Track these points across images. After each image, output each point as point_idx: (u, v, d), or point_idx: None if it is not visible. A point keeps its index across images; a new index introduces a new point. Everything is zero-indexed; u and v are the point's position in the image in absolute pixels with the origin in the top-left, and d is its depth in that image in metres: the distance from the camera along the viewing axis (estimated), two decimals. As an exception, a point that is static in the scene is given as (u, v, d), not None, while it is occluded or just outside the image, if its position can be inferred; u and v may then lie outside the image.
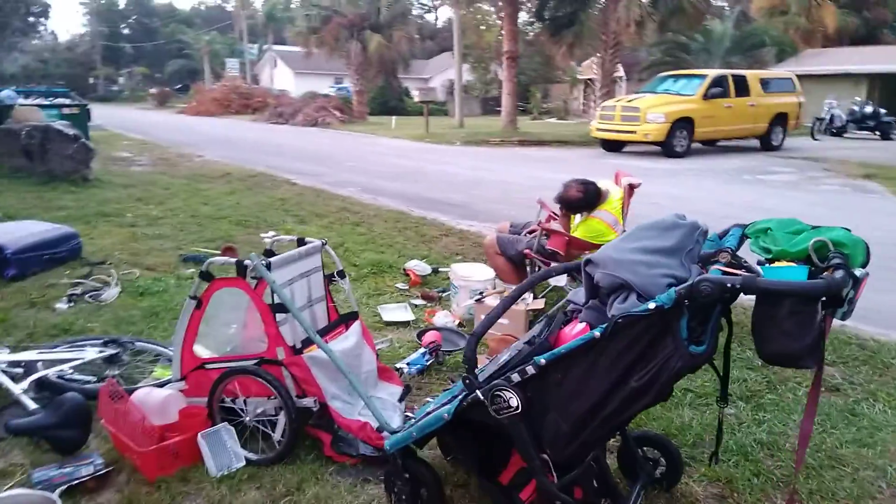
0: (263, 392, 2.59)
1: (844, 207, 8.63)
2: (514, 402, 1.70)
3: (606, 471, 2.00)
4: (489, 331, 3.87)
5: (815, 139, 18.85)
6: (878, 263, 1.93)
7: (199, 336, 2.78)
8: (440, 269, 5.17)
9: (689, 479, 2.46)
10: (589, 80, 29.39)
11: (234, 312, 2.85)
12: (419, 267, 5.10)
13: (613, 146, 15.63)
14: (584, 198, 3.77)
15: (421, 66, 44.82)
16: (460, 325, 4.07)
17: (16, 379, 2.94)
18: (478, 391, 1.77)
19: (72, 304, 4.29)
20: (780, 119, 16.13)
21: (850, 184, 10.61)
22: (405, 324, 4.11)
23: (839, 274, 1.43)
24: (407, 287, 4.86)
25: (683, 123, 14.29)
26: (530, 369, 1.68)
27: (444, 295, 4.67)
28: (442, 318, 4.10)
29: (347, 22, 27.40)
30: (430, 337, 3.65)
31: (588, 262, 1.77)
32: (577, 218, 4.01)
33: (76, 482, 2.38)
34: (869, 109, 19.96)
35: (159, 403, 2.60)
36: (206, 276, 2.69)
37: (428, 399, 2.83)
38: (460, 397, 1.84)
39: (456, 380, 3.30)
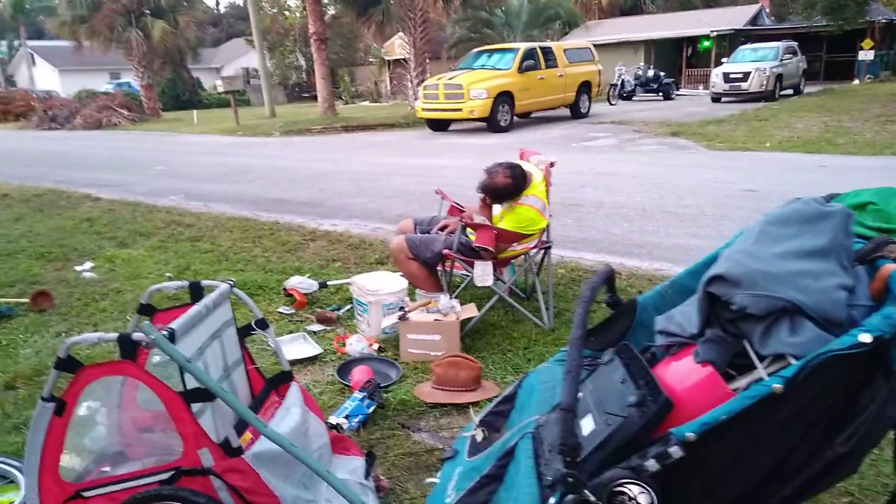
0: (188, 516, 1.80)
1: (675, 164, 9.24)
2: (645, 499, 1.19)
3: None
4: (424, 353, 3.35)
5: (612, 104, 20.46)
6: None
7: (65, 450, 1.88)
8: (327, 283, 4.44)
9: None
10: (397, 60, 29.13)
11: (118, 409, 1.98)
12: (303, 284, 4.32)
13: (439, 125, 15.52)
14: (512, 184, 3.32)
15: (210, 55, 41.54)
16: (380, 349, 3.44)
17: None
18: (586, 490, 1.23)
19: None
20: (585, 87, 17.15)
21: (664, 142, 11.48)
22: (312, 360, 3.38)
23: None
24: (292, 311, 4.08)
25: (504, 97, 14.54)
26: (675, 451, 1.17)
27: (340, 313, 3.98)
28: (356, 344, 3.43)
29: (122, 8, 24.13)
30: (359, 374, 3.00)
31: (717, 278, 1.30)
32: (498, 208, 3.56)
33: None
34: (651, 73, 22.16)
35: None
36: (68, 364, 1.80)
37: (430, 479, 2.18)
38: (555, 501, 1.27)
39: (411, 425, 2.70)
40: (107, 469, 1.98)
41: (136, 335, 1.75)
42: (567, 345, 2.14)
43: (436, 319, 3.29)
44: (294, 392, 2.18)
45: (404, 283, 3.67)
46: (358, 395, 2.78)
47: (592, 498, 1.22)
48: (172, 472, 1.82)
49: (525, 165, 3.49)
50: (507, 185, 3.33)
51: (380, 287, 3.62)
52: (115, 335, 1.76)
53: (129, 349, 1.76)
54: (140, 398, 2.00)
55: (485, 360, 3.21)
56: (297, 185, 8.83)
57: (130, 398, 2.02)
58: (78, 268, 5.18)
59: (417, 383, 3.03)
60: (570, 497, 1.25)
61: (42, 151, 15.29)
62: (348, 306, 3.99)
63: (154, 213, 7.29)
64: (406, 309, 3.40)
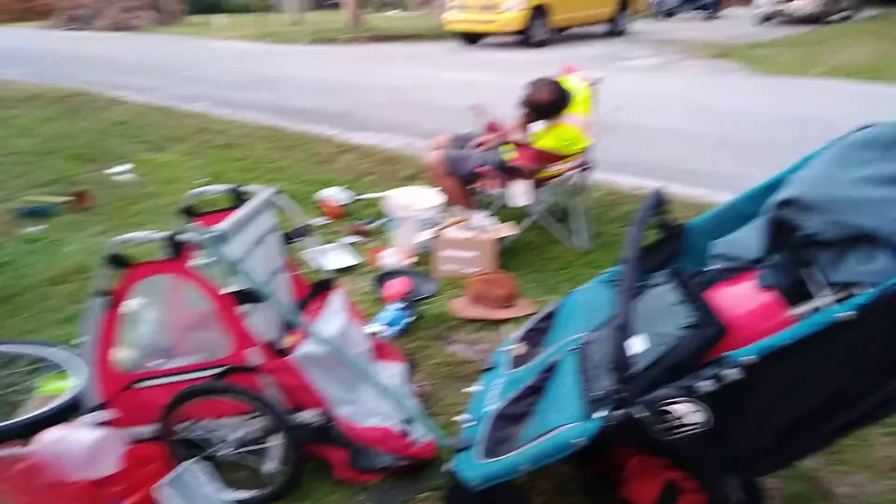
0: (239, 411, 1.87)
1: (719, 87, 8.87)
2: (698, 417, 1.20)
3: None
4: (458, 269, 3.37)
5: (655, 21, 19.49)
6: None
7: (119, 344, 1.95)
8: (359, 197, 4.43)
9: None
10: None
11: (165, 306, 2.03)
12: (337, 196, 4.32)
13: (472, 38, 14.95)
14: (555, 100, 3.21)
15: (236, -45, 39.89)
16: (414, 264, 3.46)
17: None
18: (634, 407, 1.24)
19: None
20: (626, 3, 16.28)
21: (708, 64, 10.97)
22: (347, 271, 3.42)
23: None
24: (327, 222, 4.09)
25: (540, 11, 13.88)
26: (732, 373, 1.17)
27: (372, 226, 3.99)
28: (390, 257, 3.46)
29: None
30: (396, 285, 3.03)
31: (789, 202, 1.25)
32: (538, 125, 3.46)
33: None
34: (695, -11, 20.91)
35: (87, 450, 1.78)
36: (118, 261, 1.83)
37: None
38: (604, 414, 1.29)
39: (446, 337, 2.76)
40: (156, 363, 2.05)
41: (186, 235, 1.76)
42: (604, 267, 2.13)
43: (471, 237, 3.28)
44: (337, 298, 2.21)
45: (439, 198, 3.64)
46: (396, 305, 2.82)
47: (643, 413, 1.24)
48: (222, 370, 1.88)
49: (568, 82, 3.36)
50: (550, 102, 3.22)
51: (415, 202, 3.61)
52: (165, 234, 1.78)
53: (178, 249, 1.78)
54: (186, 298, 2.05)
55: (519, 279, 3.21)
56: (326, 95, 8.66)
57: (177, 297, 2.06)
58: (113, 170, 5.21)
59: (452, 298, 3.06)
60: (619, 412, 1.27)
61: (67, 52, 15.11)
62: (382, 220, 3.99)
63: (184, 118, 7.24)
64: (440, 225, 3.39)
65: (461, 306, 2.92)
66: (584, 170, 3.62)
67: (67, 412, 2.17)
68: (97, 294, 1.85)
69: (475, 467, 1.52)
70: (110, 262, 1.81)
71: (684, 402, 1.20)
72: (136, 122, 7.03)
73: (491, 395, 1.78)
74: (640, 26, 18.10)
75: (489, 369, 1.99)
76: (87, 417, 1.95)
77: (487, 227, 3.35)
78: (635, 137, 5.99)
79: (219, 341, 1.93)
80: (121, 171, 5.17)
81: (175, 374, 1.93)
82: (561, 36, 16.05)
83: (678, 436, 1.23)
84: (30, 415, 2.22)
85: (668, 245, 1.91)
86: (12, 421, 2.19)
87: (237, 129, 6.69)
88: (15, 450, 1.91)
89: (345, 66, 11.92)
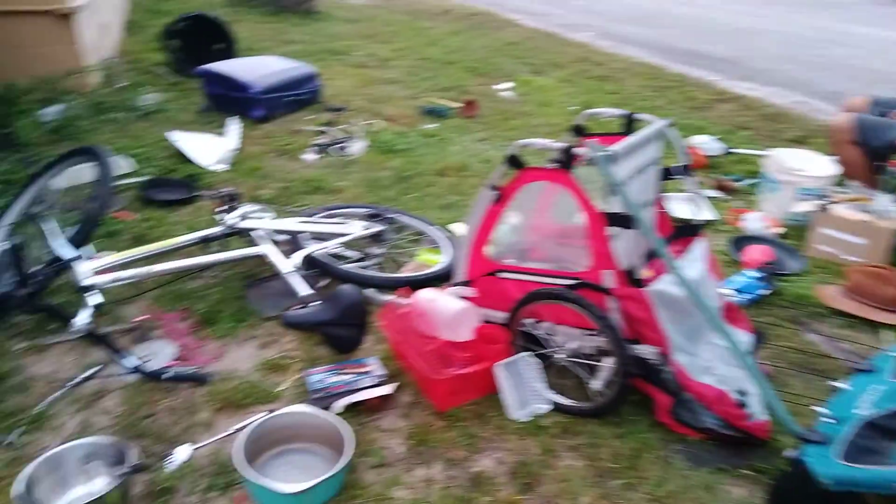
0: (580, 324, 1.97)
1: None
2: None
3: None
4: (837, 253, 2.94)
5: None
6: None
7: (495, 235, 2.18)
8: (732, 150, 4.09)
9: None
10: None
11: (532, 212, 2.19)
12: (707, 145, 4.06)
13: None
14: None
15: None
16: (783, 235, 3.10)
17: (283, 250, 2.61)
18: None
19: (319, 155, 3.96)
20: None
21: None
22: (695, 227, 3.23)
23: None
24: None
25: None
26: None
27: (739, 184, 3.67)
28: (754, 221, 3.16)
29: None
30: (755, 252, 2.78)
31: None
32: None
33: (359, 400, 2.00)
34: None
35: (452, 316, 2.09)
36: (515, 162, 2.01)
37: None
38: None
39: (805, 323, 2.45)
40: (513, 261, 2.25)
41: (581, 149, 1.85)
42: None
43: (865, 220, 2.79)
44: (700, 246, 2.12)
45: (833, 168, 3.16)
46: (752, 273, 2.60)
47: None
48: (575, 282, 1.98)
49: None
50: None
51: (801, 167, 3.19)
52: (563, 145, 1.89)
53: (569, 161, 1.88)
54: (556, 208, 2.17)
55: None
56: (715, 37, 8.03)
57: (545, 206, 2.21)
58: (497, 86, 5.70)
59: (820, 283, 2.69)
60: None
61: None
62: (752, 180, 3.64)
63: (567, 46, 7.48)
64: (829, 199, 2.95)
65: (833, 295, 2.55)
66: None
67: (436, 280, 2.56)
68: (488, 187, 2.08)
69: (832, 465, 1.36)
70: (507, 162, 2.01)
71: None
72: (524, 45, 7.51)
73: (864, 398, 1.55)
74: None
75: (865, 371, 1.72)
76: (454, 289, 2.26)
77: (888, 214, 2.81)
78: None
79: (576, 255, 2.02)
80: (504, 88, 5.63)
81: (531, 273, 2.10)
82: None
83: None
84: (410, 274, 2.68)
85: None
86: (397, 275, 2.68)
87: (615, 62, 6.68)
88: (396, 298, 2.34)
89: (740, 7, 10.81)
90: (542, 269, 2.10)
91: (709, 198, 3.50)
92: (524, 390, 2.00)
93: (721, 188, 3.61)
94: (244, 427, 1.84)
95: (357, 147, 4.05)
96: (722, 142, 4.15)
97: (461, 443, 1.89)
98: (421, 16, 9.39)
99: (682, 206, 3.14)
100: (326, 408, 1.93)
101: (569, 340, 2.02)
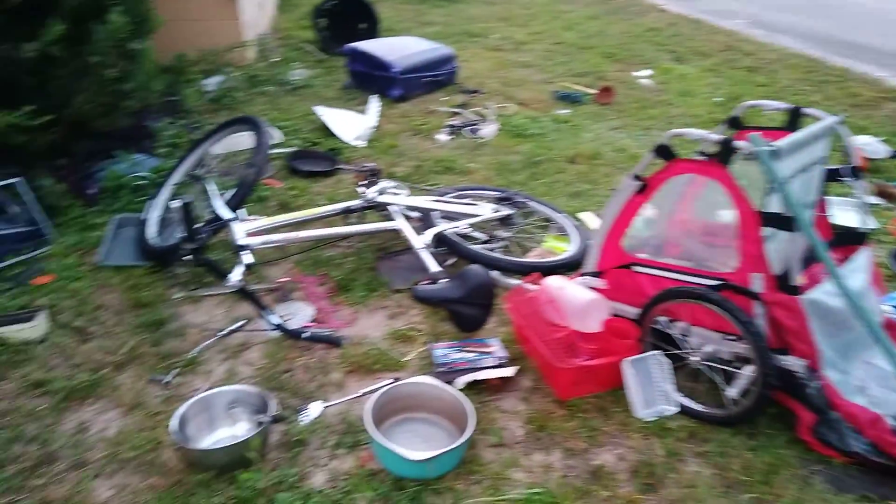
0: (720, 327, 1.87)
1: None
2: None
3: None
4: None
5: None
6: None
7: (631, 227, 2.12)
8: (902, 154, 3.69)
9: None
10: None
11: (673, 206, 2.09)
12: (870, 146, 3.69)
13: None
14: None
15: None
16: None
17: (415, 226, 2.69)
18: None
19: (451, 136, 4.01)
20: None
21: None
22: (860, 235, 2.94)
23: None
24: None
25: None
26: None
27: (906, 193, 3.30)
28: (925, 234, 2.84)
29: None
30: (925, 270, 2.49)
31: None
32: None
33: (480, 378, 2.02)
34: None
35: (581, 306, 2.06)
36: (665, 152, 1.93)
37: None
38: None
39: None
40: (647, 255, 2.17)
41: (741, 143, 1.74)
42: None
43: None
44: (863, 256, 1.94)
45: None
46: (919, 291, 2.34)
47: None
48: (718, 283, 1.88)
49: None
50: None
51: None
52: (721, 137, 1.79)
53: (727, 155, 1.78)
54: (701, 203, 2.06)
55: None
56: (884, 29, 7.24)
57: (688, 201, 2.10)
58: (636, 73, 5.48)
59: None
60: None
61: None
62: (925, 188, 3.27)
63: (714, 34, 7.04)
64: None
65: None
66: None
67: (563, 268, 2.53)
68: (632, 177, 2.02)
69: None
70: (656, 151, 1.93)
71: None
72: (666, 31, 7.16)
73: None
74: None
75: None
76: (584, 279, 2.22)
77: None
78: None
79: (722, 254, 1.92)
80: (643, 76, 5.41)
81: (669, 270, 2.02)
82: None
83: None
84: (535, 260, 2.67)
85: None
86: (523, 260, 2.68)
87: (767, 52, 6.21)
88: (523, 283, 2.33)
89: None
90: (681, 265, 2.01)
91: (870, 204, 3.19)
92: (651, 389, 1.94)
93: (883, 195, 3.28)
94: (373, 391, 1.93)
95: (489, 130, 4.07)
96: (887, 144, 3.76)
97: (582, 434, 1.87)
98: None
99: (843, 212, 2.89)
100: (449, 382, 1.98)
101: (705, 343, 1.93)
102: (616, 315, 2.13)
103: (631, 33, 7.06)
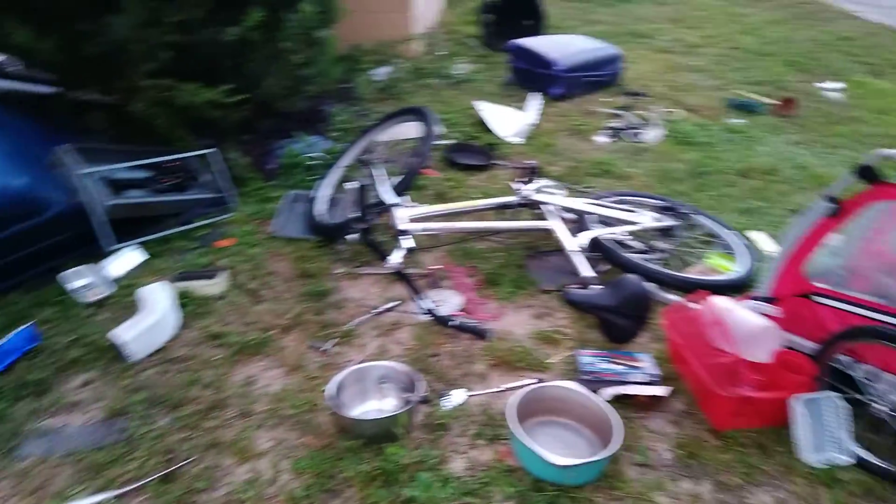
0: (917, 376, 1.66)
1: None
2: None
3: None
4: None
5: None
6: None
7: (817, 254, 1.93)
8: None
9: None
10: None
11: (865, 234, 1.87)
12: None
13: None
14: None
15: None
16: None
17: (569, 228, 2.64)
18: None
19: (612, 139, 3.90)
20: None
21: None
22: None
23: None
24: None
25: None
26: None
27: None
28: None
29: None
30: None
31: None
32: None
33: (630, 393, 1.95)
34: None
35: (752, 332, 1.91)
36: (869, 174, 1.74)
37: None
38: None
39: None
40: (829, 286, 1.96)
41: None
42: None
43: None
44: None
45: None
46: None
47: None
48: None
49: None
50: None
51: None
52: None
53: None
54: (892, 235, 1.83)
55: None
56: None
57: (884, 230, 1.87)
58: (823, 85, 5.00)
59: None
60: None
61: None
62: None
63: (921, 46, 6.26)
64: None
65: None
66: None
67: (726, 289, 2.37)
68: (825, 198, 1.84)
69: None
70: (859, 173, 1.74)
71: None
72: (862, 41, 6.46)
73: None
74: None
75: None
76: (755, 304, 2.06)
77: None
78: None
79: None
80: (831, 88, 4.92)
81: (860, 305, 1.82)
82: None
83: None
84: (697, 276, 2.52)
85: None
86: (683, 275, 2.53)
87: None
88: (685, 299, 2.20)
89: None
90: (873, 302, 1.80)
91: None
92: (822, 433, 1.76)
93: None
94: (516, 388, 1.92)
95: (652, 135, 3.90)
96: None
97: (737, 469, 1.74)
98: (738, 1, 8.62)
99: None
100: (595, 391, 1.92)
101: (894, 391, 1.71)
102: (789, 347, 1.95)
103: (819, 41, 6.45)
